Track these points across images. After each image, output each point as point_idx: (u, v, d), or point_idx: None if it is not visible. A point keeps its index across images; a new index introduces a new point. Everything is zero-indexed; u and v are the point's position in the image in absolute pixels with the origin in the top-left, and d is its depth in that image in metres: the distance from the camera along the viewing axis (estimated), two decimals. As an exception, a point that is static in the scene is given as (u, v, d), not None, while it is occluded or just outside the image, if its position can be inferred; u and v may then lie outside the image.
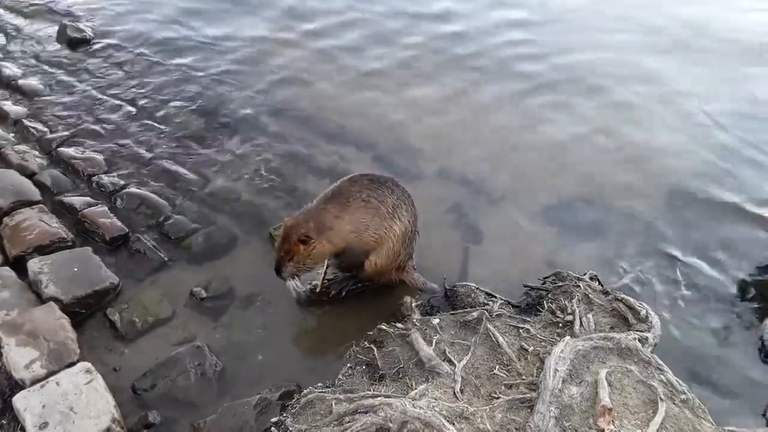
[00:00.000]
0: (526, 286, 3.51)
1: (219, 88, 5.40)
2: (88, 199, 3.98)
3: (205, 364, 3.05)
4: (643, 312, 2.99)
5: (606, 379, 2.53)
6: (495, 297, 3.36)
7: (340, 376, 2.84)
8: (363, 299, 3.51)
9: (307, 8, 7.02)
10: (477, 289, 3.43)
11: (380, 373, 2.80)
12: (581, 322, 2.95)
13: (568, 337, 2.76)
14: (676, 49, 6.49)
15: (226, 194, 4.22)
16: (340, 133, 4.96)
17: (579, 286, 3.24)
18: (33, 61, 5.69)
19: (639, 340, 2.79)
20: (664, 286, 3.69)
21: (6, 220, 3.66)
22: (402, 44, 6.38)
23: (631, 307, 3.04)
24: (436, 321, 3.04)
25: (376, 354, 2.89)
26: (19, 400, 2.64)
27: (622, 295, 3.14)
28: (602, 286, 3.38)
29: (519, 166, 4.72)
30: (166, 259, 3.66)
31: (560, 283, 3.34)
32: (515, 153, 4.87)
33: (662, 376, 2.67)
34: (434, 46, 6.41)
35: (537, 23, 6.96)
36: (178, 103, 5.17)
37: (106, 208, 3.89)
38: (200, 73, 5.59)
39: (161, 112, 5.03)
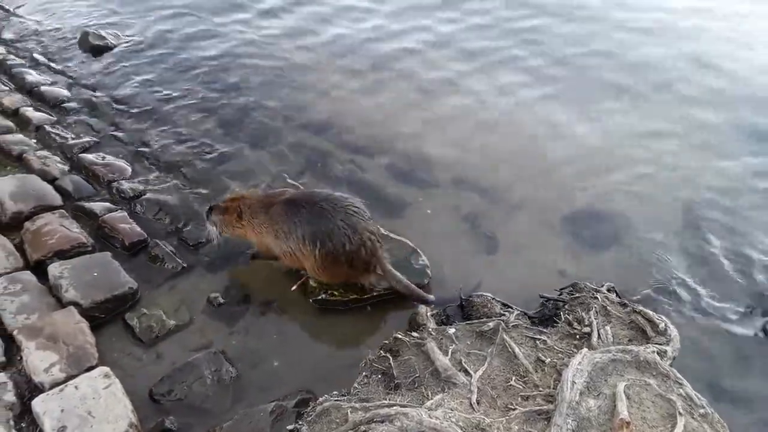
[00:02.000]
0: (542, 296, 3.49)
1: (239, 97, 5.46)
2: (108, 204, 4.03)
3: (221, 371, 3.06)
4: (662, 325, 2.96)
5: (624, 392, 2.51)
6: (511, 307, 3.35)
7: (356, 385, 2.83)
8: (378, 307, 3.52)
9: (327, 15, 7.10)
10: (493, 299, 3.41)
11: (396, 382, 2.79)
12: (599, 334, 2.92)
13: (585, 349, 2.74)
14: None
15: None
16: (355, 141, 4.98)
17: (596, 297, 3.22)
18: (55, 68, 5.79)
19: (658, 353, 2.76)
20: (683, 297, 3.65)
21: (27, 224, 3.71)
22: (418, 50, 6.41)
23: (649, 320, 3.00)
24: (452, 331, 3.03)
25: (392, 363, 2.88)
26: (38, 404, 2.66)
27: (641, 308, 3.11)
28: (620, 297, 3.36)
29: (535, 174, 4.70)
30: (184, 265, 3.69)
31: (577, 295, 3.31)
32: (532, 161, 4.85)
33: (681, 390, 2.64)
34: (450, 51, 6.43)
35: (548, 27, 6.97)
36: (197, 111, 5.23)
37: (126, 214, 3.94)
38: (220, 82, 5.66)
39: (181, 120, 5.09)
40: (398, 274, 3.47)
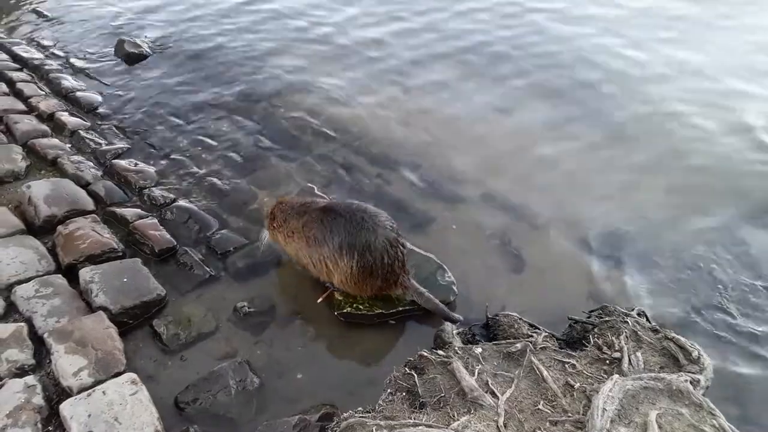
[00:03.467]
0: (570, 318, 3.43)
1: (270, 107, 5.51)
2: (139, 211, 4.08)
3: (246, 381, 3.07)
4: (695, 353, 2.88)
5: (656, 421, 2.45)
6: (539, 329, 3.29)
7: (380, 402, 2.80)
8: (403, 323, 3.50)
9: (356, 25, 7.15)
10: (520, 319, 3.36)
11: (421, 400, 2.75)
12: (630, 360, 2.86)
13: (616, 376, 2.69)
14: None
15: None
16: (383, 154, 4.99)
17: (627, 321, 3.15)
18: (91, 74, 5.91)
19: (690, 382, 2.69)
20: (716, 324, 3.57)
21: (60, 228, 3.77)
22: (449, 63, 6.42)
23: (682, 347, 2.93)
24: (478, 350, 2.99)
25: (417, 381, 2.85)
26: (66, 408, 2.68)
27: (673, 334, 3.04)
28: (650, 322, 3.29)
29: (565, 192, 4.65)
30: (211, 273, 3.71)
31: (607, 318, 3.25)
32: (561, 179, 4.80)
33: (714, 421, 2.56)
34: (479, 66, 6.43)
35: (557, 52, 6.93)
36: (229, 120, 5.29)
37: (156, 221, 3.99)
38: (252, 92, 5.72)
39: (212, 129, 5.16)
40: (422, 288, 3.46)
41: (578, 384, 2.76)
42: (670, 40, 7.24)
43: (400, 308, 3.50)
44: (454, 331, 3.25)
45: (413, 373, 2.91)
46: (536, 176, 4.83)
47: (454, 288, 3.65)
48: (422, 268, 3.75)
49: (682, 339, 3.01)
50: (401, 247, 3.40)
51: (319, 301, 3.59)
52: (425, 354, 3.00)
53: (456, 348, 3.05)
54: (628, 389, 2.59)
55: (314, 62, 6.37)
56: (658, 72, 6.51)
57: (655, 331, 3.12)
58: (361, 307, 3.48)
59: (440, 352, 3.03)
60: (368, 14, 7.62)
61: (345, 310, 3.48)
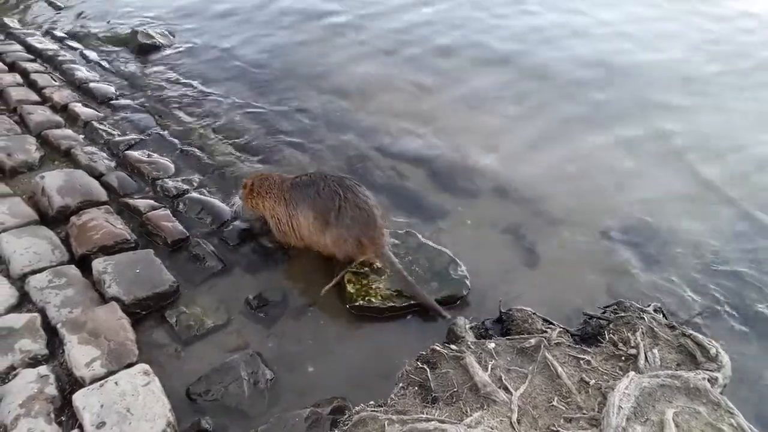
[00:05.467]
0: (585, 314, 3.38)
1: (282, 99, 5.49)
2: (151, 202, 4.08)
3: (257, 373, 3.06)
4: (713, 350, 2.83)
5: (673, 419, 2.41)
6: (553, 324, 3.25)
7: (392, 396, 2.78)
8: (415, 317, 3.47)
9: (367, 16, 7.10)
10: (534, 314, 3.32)
11: (433, 395, 2.73)
12: (646, 357, 2.81)
13: (632, 373, 2.64)
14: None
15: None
16: (397, 147, 4.95)
17: (643, 318, 3.10)
18: (104, 66, 5.91)
19: (708, 380, 2.64)
20: (734, 321, 3.51)
21: (74, 219, 3.78)
22: (464, 57, 6.37)
23: (699, 344, 2.88)
24: (491, 345, 2.96)
25: (429, 375, 2.83)
26: (78, 398, 2.69)
27: (690, 331, 2.99)
28: (667, 319, 3.24)
29: (580, 187, 4.60)
30: (223, 264, 3.71)
31: (622, 314, 3.20)
32: (576, 173, 4.75)
33: (732, 420, 2.52)
34: (492, 62, 6.36)
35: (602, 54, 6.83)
36: (241, 111, 5.28)
37: (169, 212, 3.98)
38: (264, 84, 5.71)
39: (225, 121, 5.15)
40: (399, 264, 3.55)
41: (593, 381, 2.72)
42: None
43: (413, 302, 3.47)
44: (467, 326, 3.22)
45: (425, 367, 2.89)
46: (552, 171, 4.77)
47: (467, 282, 3.62)
48: (435, 262, 3.72)
49: (700, 336, 2.95)
50: (378, 210, 3.55)
51: (323, 292, 3.56)
52: (438, 348, 2.97)
53: (469, 342, 3.02)
54: (645, 387, 2.55)
55: (328, 55, 6.33)
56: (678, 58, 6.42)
57: (671, 327, 3.07)
58: (373, 300, 3.46)
59: (453, 346, 3.00)
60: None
61: (357, 303, 3.46)
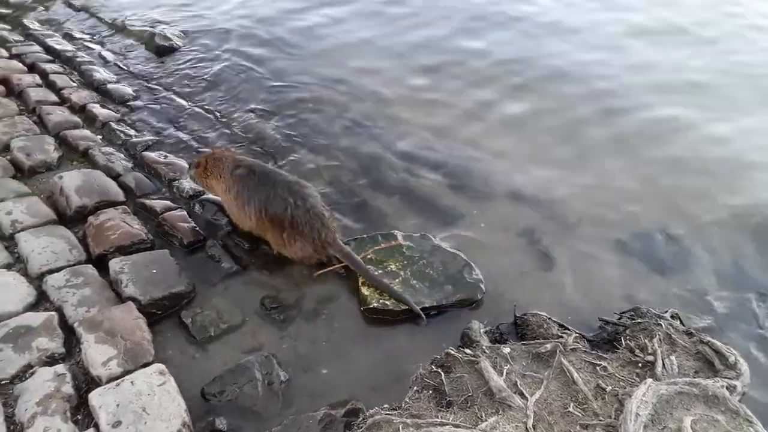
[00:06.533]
0: (601, 320, 3.36)
1: (298, 102, 5.50)
2: (168, 202, 4.11)
3: (272, 374, 3.06)
4: (732, 358, 2.80)
5: (691, 427, 2.38)
6: (568, 329, 3.23)
7: (407, 399, 2.77)
8: (429, 320, 3.45)
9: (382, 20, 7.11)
10: (549, 319, 3.30)
11: (448, 399, 2.72)
12: (663, 364, 2.79)
13: (650, 380, 2.62)
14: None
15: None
16: (411, 149, 4.95)
17: (660, 324, 3.07)
18: (122, 67, 5.97)
19: (727, 388, 2.61)
20: (753, 329, 3.47)
21: (91, 219, 3.81)
22: (474, 66, 6.35)
23: (718, 351, 2.85)
24: (506, 350, 2.94)
25: (444, 379, 2.82)
26: (94, 397, 2.70)
27: (709, 338, 2.95)
28: (684, 325, 3.20)
29: (596, 191, 4.56)
30: (239, 266, 3.72)
31: (639, 320, 3.17)
32: (592, 178, 4.72)
33: (751, 429, 2.49)
34: (506, 64, 6.35)
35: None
36: (256, 115, 5.30)
37: (185, 213, 4.01)
38: (279, 87, 5.72)
39: (241, 122, 5.17)
40: (353, 254, 3.70)
41: (610, 387, 2.70)
42: None
43: (427, 305, 3.46)
44: (482, 330, 3.20)
45: (440, 371, 2.88)
46: (567, 175, 4.74)
47: (482, 286, 3.60)
48: (449, 265, 3.71)
49: (718, 343, 2.92)
50: (320, 204, 3.70)
51: (316, 274, 3.69)
52: (452, 352, 2.96)
53: (483, 347, 3.01)
54: (662, 394, 2.53)
55: (343, 57, 6.34)
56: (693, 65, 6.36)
57: (689, 334, 3.04)
58: (387, 303, 3.46)
59: (467, 350, 2.99)
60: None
61: (371, 306, 3.45)
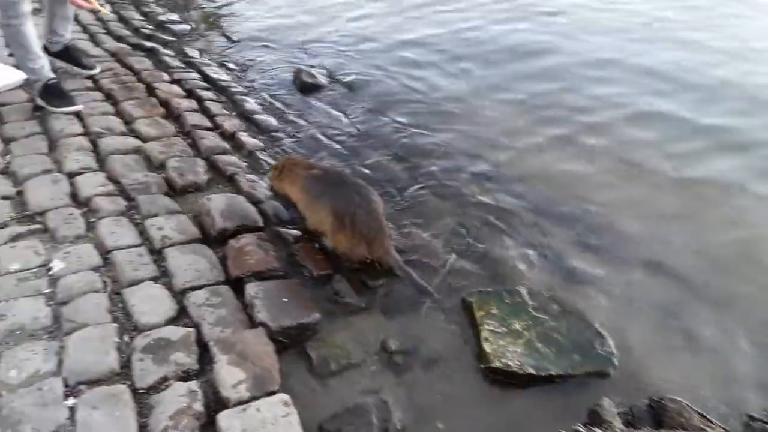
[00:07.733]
0: (748, 415, 3.04)
1: (431, 148, 5.56)
2: (301, 233, 4.25)
3: (388, 421, 3.04)
4: None
5: None
6: (711, 422, 2.94)
7: (528, 473, 2.64)
8: (555, 389, 3.29)
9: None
10: (689, 407, 3.03)
11: (574, 480, 2.56)
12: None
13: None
14: None
15: (426, 251, 4.22)
16: (540, 203, 4.81)
17: (823, 432, 2.71)
18: (269, 100, 6.37)
19: None
20: None
21: (232, 242, 4.01)
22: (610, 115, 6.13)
23: None
24: (642, 437, 2.73)
25: (570, 457, 2.66)
26: (222, 419, 2.79)
27: None
28: None
29: (747, 271, 4.17)
30: (362, 304, 3.76)
31: (795, 423, 2.82)
32: (743, 254, 4.33)
33: None
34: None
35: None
36: (383, 153, 5.42)
37: (317, 245, 4.13)
38: (410, 127, 5.85)
39: (371, 160, 5.30)
40: (406, 267, 3.91)
41: (763, 499, 2.41)
42: None
43: (553, 372, 3.30)
44: (614, 410, 2.99)
45: (566, 447, 2.72)
46: (711, 245, 4.39)
47: (614, 360, 3.38)
48: (578, 332, 3.53)
49: None
50: (380, 208, 3.92)
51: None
52: (580, 430, 2.79)
53: (616, 428, 2.81)
54: None
55: (475, 110, 6.37)
56: None
57: None
58: (510, 364, 3.33)
59: (597, 430, 2.81)
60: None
61: (492, 365, 3.34)
